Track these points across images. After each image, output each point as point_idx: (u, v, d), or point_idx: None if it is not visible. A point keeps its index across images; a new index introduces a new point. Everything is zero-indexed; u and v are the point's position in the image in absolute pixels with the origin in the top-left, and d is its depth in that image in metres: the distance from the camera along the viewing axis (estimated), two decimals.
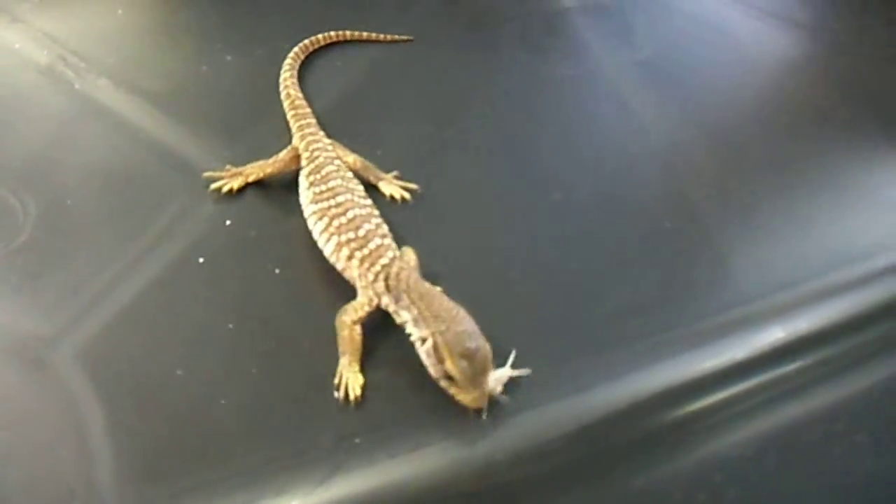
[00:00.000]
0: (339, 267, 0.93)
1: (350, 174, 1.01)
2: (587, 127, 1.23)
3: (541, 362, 0.87)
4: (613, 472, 0.84)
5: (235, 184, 1.04)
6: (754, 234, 1.08)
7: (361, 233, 0.91)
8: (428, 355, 0.81)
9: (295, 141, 1.08)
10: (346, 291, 0.92)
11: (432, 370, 0.81)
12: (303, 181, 1.01)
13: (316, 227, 0.95)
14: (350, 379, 0.85)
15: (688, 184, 1.14)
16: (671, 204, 1.11)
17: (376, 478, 0.80)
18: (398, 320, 0.86)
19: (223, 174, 1.05)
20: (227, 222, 1.02)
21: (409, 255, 0.93)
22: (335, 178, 0.98)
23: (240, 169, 1.05)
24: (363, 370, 0.86)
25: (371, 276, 0.88)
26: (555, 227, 1.07)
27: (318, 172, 0.99)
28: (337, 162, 1.02)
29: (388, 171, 1.09)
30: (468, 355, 0.78)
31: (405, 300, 0.84)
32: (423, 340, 0.81)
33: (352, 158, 1.06)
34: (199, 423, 0.83)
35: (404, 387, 0.86)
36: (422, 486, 0.80)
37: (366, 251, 0.89)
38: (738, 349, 0.92)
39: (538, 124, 1.22)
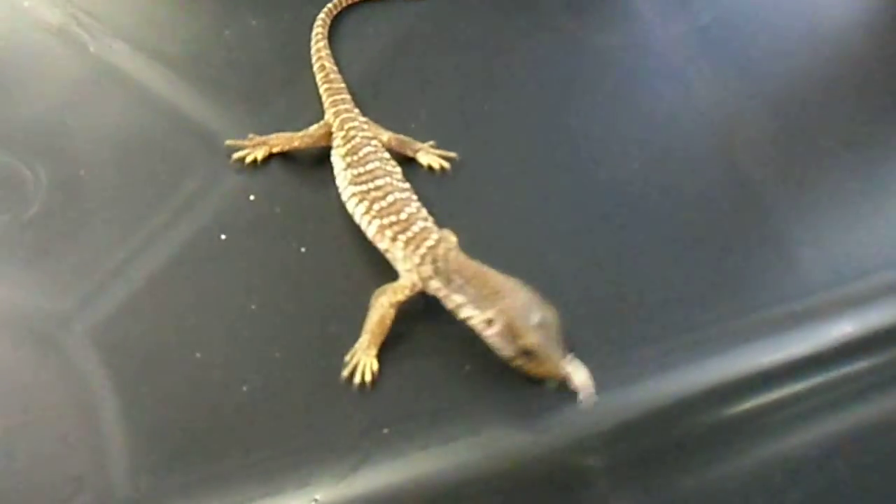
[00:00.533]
0: (381, 247, 0.91)
1: (387, 155, 0.99)
2: (637, 100, 1.18)
3: (585, 352, 0.83)
4: (665, 470, 0.81)
5: (259, 154, 1.02)
6: (821, 218, 1.04)
7: (403, 216, 0.89)
8: (499, 336, 0.79)
9: (328, 117, 1.05)
10: (376, 272, 0.90)
11: (507, 350, 0.79)
12: (339, 161, 0.99)
13: (357, 210, 0.94)
14: (364, 363, 0.84)
15: (748, 163, 1.10)
16: (730, 185, 1.07)
17: (404, 471, 0.78)
18: (449, 305, 0.84)
19: (246, 143, 1.03)
20: (251, 197, 0.99)
21: (451, 237, 0.91)
22: (374, 161, 0.96)
23: (264, 138, 1.03)
24: (379, 357, 0.85)
25: (417, 259, 0.86)
26: (600, 206, 1.04)
27: (356, 154, 0.97)
28: (374, 142, 1.00)
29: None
30: (540, 325, 0.78)
31: (457, 282, 0.83)
32: (489, 322, 0.80)
33: (386, 137, 1.04)
34: (217, 409, 0.82)
35: (434, 376, 0.85)
36: (451, 481, 0.78)
37: (410, 234, 0.88)
38: (802, 344, 0.90)
39: (583, 97, 1.18)
